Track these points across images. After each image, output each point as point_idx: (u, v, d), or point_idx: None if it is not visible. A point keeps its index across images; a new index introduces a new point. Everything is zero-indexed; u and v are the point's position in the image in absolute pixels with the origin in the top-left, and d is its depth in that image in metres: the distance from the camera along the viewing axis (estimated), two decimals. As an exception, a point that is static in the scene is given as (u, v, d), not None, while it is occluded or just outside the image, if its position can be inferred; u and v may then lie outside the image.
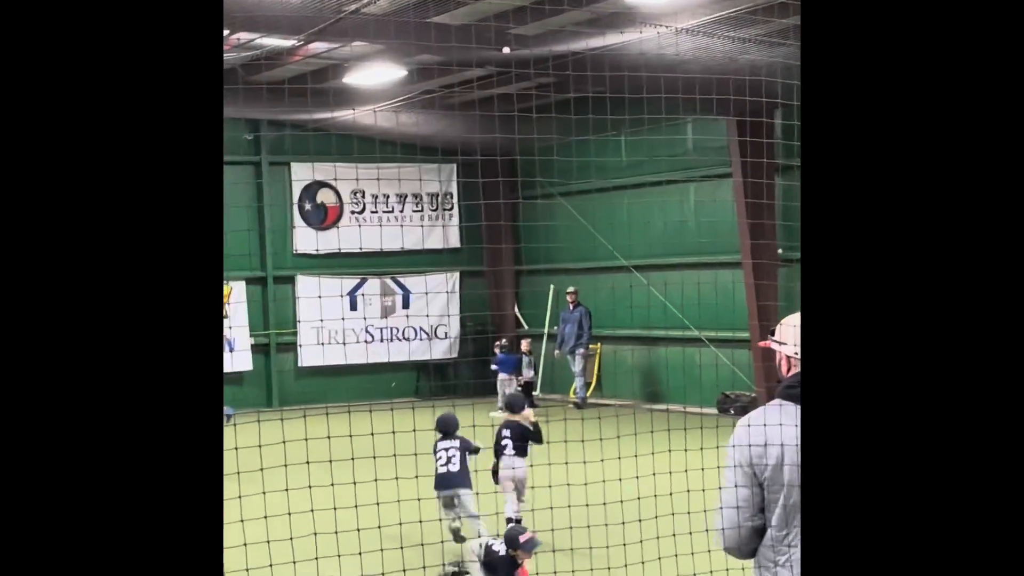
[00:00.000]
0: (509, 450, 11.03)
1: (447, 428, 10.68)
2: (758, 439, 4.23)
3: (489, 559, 8.95)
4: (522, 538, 9.02)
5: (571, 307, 21.93)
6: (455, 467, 10.44)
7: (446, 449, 10.55)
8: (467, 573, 9.40)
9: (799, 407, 4.14)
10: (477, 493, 10.29)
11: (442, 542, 8.96)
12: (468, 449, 10.64)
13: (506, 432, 11.07)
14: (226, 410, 13.44)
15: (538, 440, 11.00)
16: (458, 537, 10.33)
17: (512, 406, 11.62)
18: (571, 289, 22.05)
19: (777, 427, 4.17)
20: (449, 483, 10.39)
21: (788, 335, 4.38)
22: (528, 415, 11.37)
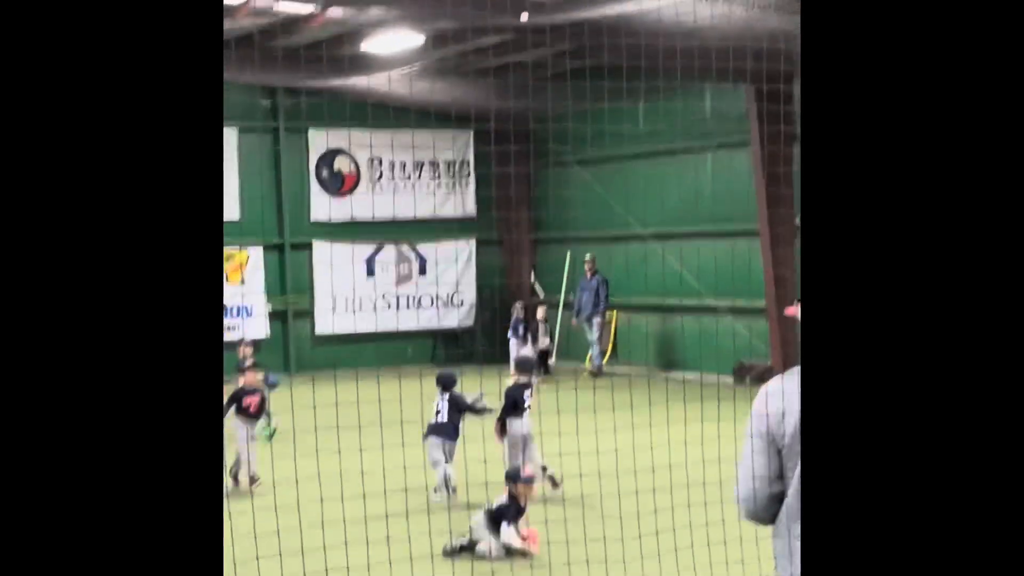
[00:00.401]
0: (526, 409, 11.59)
1: (441, 383, 11.88)
2: (776, 407, 4.22)
3: (494, 509, 9.39)
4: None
5: (588, 275, 21.90)
6: (443, 419, 11.59)
7: (438, 403, 11.72)
8: (477, 542, 9.45)
9: None
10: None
11: (448, 508, 8.99)
12: (458, 405, 11.64)
13: (527, 393, 11.63)
14: (270, 378, 13.60)
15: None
16: (446, 487, 11.21)
17: (522, 367, 12.27)
18: (588, 257, 22.01)
19: (796, 396, 4.15)
20: (434, 432, 11.50)
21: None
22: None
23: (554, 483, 11.33)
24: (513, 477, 9.60)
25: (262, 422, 12.65)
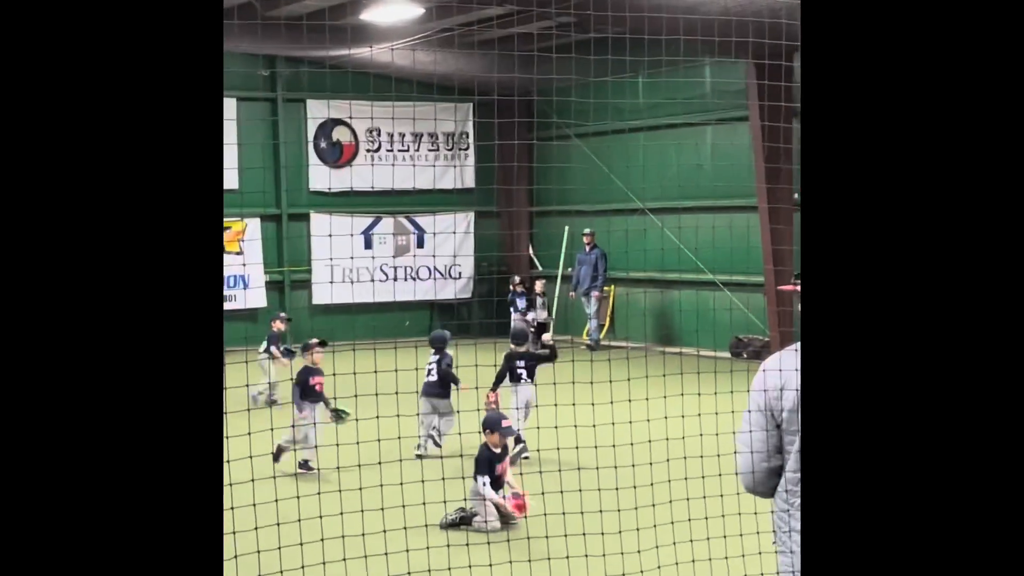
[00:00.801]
0: (525, 379, 12.22)
1: (433, 344, 12.73)
2: (774, 383, 4.26)
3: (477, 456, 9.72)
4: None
5: (587, 249, 21.89)
6: (433, 378, 12.31)
7: (430, 363, 12.43)
8: (475, 515, 9.50)
9: None
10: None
11: (442, 479, 9.01)
12: (446, 363, 12.36)
13: (520, 363, 12.27)
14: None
15: (554, 358, 12.25)
16: (434, 441, 11.90)
17: (517, 337, 12.87)
18: (587, 231, 21.98)
19: (793, 372, 4.18)
20: (425, 391, 12.14)
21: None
22: (546, 339, 13.20)
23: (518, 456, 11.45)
24: (490, 426, 9.71)
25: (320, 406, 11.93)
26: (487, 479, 9.53)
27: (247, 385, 10.48)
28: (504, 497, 9.68)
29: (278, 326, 16.45)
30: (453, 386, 12.29)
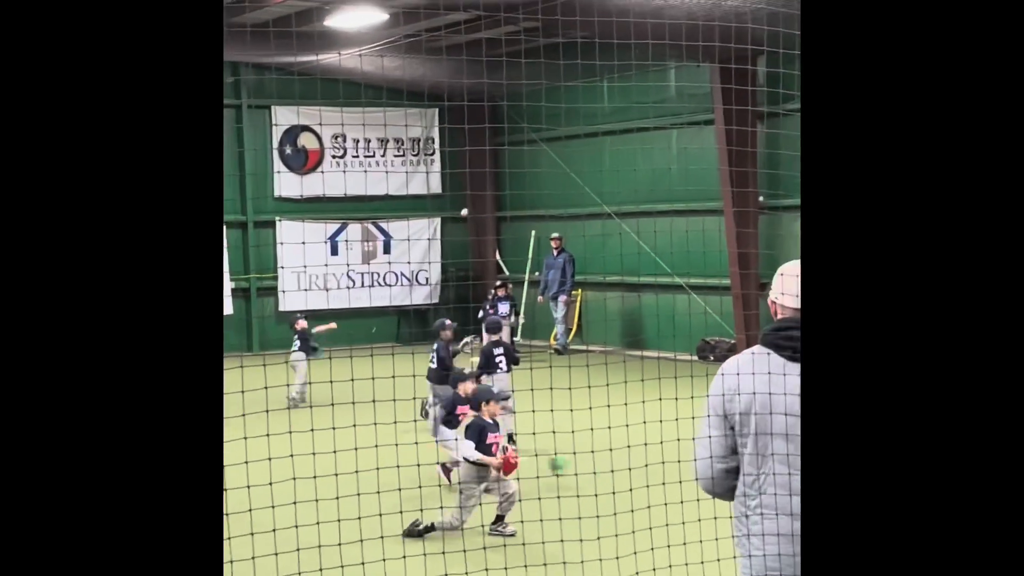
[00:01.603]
0: (503, 366, 12.99)
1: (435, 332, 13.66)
2: (729, 386, 4.31)
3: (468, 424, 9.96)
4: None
5: (555, 253, 21.92)
6: (433, 364, 13.16)
7: (432, 349, 13.30)
8: (432, 529, 9.36)
9: (772, 355, 4.20)
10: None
11: (419, 487, 8.99)
12: (438, 353, 13.17)
13: (499, 351, 13.13)
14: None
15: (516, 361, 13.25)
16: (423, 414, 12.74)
17: (492, 328, 13.59)
18: (555, 235, 22.01)
19: (748, 376, 4.23)
20: (428, 376, 13.06)
21: (775, 283, 4.40)
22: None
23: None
24: (485, 398, 9.87)
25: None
26: (472, 444, 9.50)
27: (242, 392, 10.35)
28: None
29: (302, 325, 16.95)
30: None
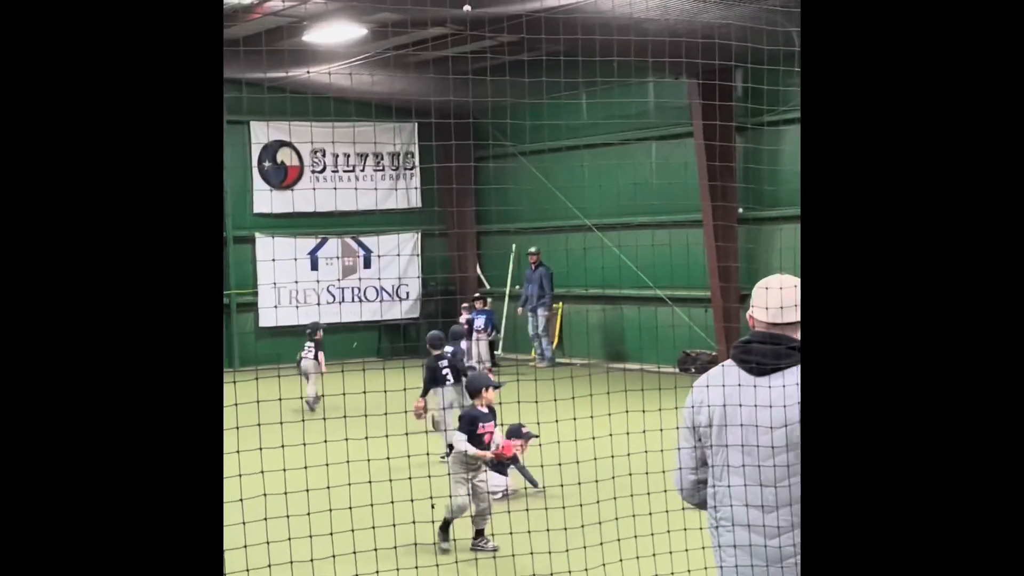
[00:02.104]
0: (450, 378, 12.87)
1: (429, 344, 13.44)
2: (698, 399, 4.39)
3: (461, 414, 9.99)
4: (524, 430, 10.64)
5: (533, 268, 21.98)
6: (450, 380, 12.95)
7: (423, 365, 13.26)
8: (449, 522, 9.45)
9: (737, 368, 4.26)
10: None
11: (411, 500, 9.01)
12: (429, 365, 13.13)
13: (443, 363, 12.99)
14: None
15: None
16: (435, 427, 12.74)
17: (432, 343, 13.36)
18: (532, 250, 22.07)
19: (717, 388, 4.28)
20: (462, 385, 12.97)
21: (753, 296, 4.42)
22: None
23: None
24: (484, 384, 9.98)
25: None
26: (465, 436, 9.51)
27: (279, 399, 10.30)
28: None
29: (319, 336, 17.77)
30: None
